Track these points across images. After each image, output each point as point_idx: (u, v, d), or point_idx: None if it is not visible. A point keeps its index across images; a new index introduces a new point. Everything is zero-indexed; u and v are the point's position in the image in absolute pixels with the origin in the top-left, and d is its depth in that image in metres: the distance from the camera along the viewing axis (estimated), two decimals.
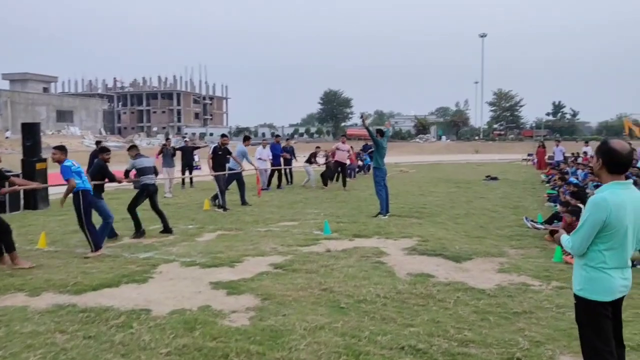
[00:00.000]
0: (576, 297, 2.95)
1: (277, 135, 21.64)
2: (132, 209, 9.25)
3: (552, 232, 8.53)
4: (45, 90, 79.44)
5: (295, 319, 4.80)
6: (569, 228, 7.96)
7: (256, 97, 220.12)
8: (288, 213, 11.86)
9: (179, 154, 17.25)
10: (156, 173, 9.77)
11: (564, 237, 3.10)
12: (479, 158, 43.46)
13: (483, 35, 77.65)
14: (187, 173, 17.92)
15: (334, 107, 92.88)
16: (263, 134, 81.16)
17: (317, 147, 20.39)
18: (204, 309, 5.18)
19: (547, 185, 17.82)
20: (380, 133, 11.57)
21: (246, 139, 15.65)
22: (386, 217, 11.04)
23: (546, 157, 26.84)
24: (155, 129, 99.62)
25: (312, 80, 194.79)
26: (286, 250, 7.87)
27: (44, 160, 13.05)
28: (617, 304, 2.90)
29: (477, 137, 73.65)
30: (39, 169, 12.73)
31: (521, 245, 8.24)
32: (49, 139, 56.25)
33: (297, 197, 15.20)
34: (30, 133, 12.83)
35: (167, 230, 9.38)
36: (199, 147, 20.14)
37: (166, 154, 16.10)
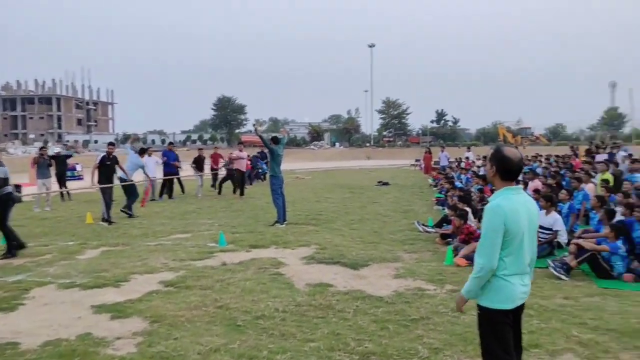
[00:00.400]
0: (479, 307, 2.94)
1: (171, 143, 20.73)
2: (3, 224, 8.23)
3: (443, 236, 8.92)
4: None
5: (188, 342, 4.45)
6: (458, 231, 8.32)
7: (145, 102, 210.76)
8: (180, 224, 11.29)
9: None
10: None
11: (465, 287, 2.96)
12: (371, 164, 44.90)
13: (372, 45, 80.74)
14: (63, 184, 16.46)
15: (227, 114, 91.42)
16: (153, 141, 77.85)
17: (200, 150, 19.86)
18: (83, 337, 4.65)
19: (435, 189, 18.75)
20: (275, 140, 11.40)
21: (143, 152, 14.81)
22: (283, 225, 10.89)
23: (432, 162, 28.29)
24: (32, 136, 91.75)
25: (205, 85, 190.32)
26: (178, 265, 7.41)
27: None
28: (517, 311, 2.93)
29: (368, 144, 76.20)
30: None
31: (414, 249, 8.47)
32: None
33: (189, 207, 14.58)
34: None
35: (10, 253, 8.18)
36: (70, 156, 18.46)
37: (42, 164, 14.71)
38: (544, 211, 8.12)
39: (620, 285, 6.10)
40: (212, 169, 19.03)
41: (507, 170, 2.88)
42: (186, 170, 18.81)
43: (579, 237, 7.46)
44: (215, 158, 18.94)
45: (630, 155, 15.12)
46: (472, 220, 8.62)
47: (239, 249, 8.49)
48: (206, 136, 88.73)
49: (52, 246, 8.94)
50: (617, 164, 13.78)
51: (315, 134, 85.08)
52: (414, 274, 6.78)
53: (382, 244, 8.91)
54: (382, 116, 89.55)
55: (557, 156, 20.12)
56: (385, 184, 21.71)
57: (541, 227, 8.13)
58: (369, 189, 19.79)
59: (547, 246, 7.85)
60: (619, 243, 6.54)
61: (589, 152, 18.92)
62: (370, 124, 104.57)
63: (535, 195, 8.95)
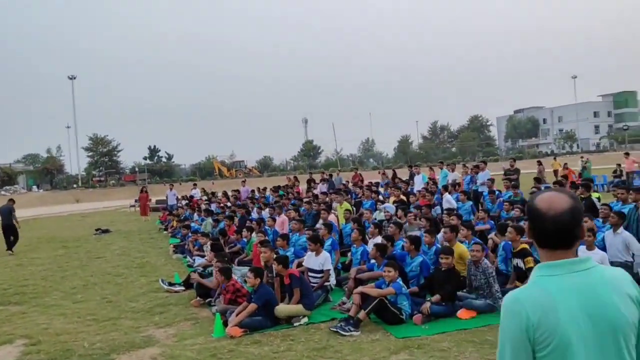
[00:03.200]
0: None
1: None
2: None
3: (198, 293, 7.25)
4: None
5: None
6: (221, 289, 6.85)
7: None
8: None
9: None
10: None
11: None
12: (81, 208, 39.79)
13: (72, 78, 73.41)
14: None
15: None
16: None
17: None
18: None
19: (166, 232, 16.83)
20: None
21: None
22: None
23: (149, 202, 25.65)
24: None
25: None
26: None
27: None
28: None
29: (75, 185, 68.36)
30: None
31: (167, 320, 6.62)
32: None
33: None
34: None
35: None
36: None
37: None
38: (314, 253, 7.32)
39: (417, 332, 5.52)
40: None
41: (540, 231, 1.62)
42: None
43: (356, 278, 6.79)
44: None
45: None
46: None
47: None
48: None
49: None
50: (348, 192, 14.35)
51: (7, 177, 72.40)
52: None
53: (124, 318, 6.80)
54: (90, 154, 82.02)
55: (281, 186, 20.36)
56: (106, 231, 18.76)
57: (310, 269, 7.31)
58: (87, 240, 16.68)
59: (322, 292, 7.01)
60: (400, 281, 6.06)
61: (310, 182, 19.63)
62: (76, 163, 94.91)
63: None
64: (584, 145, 69.08)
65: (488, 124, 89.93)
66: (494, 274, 6.15)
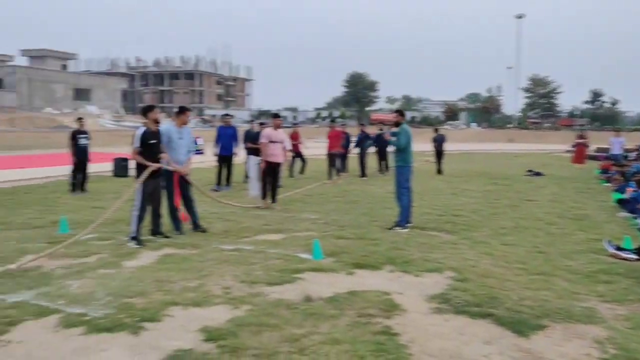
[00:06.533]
0: None
1: (262, 123, 14.31)
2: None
3: None
4: (64, 67, 77.70)
5: None
6: None
7: (281, 79, 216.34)
8: (276, 219, 9.01)
9: None
10: None
11: None
12: (514, 148, 39.84)
13: (520, 17, 72.85)
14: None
15: (358, 91, 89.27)
16: (285, 118, 78.26)
17: (262, 124, 13.19)
18: None
19: (608, 185, 14.57)
20: (401, 113, 8.62)
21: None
22: (406, 229, 8.12)
23: (587, 149, 23.08)
24: (175, 110, 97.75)
25: (340, 62, 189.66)
26: (244, 293, 5.02)
27: None
28: None
29: (510, 125, 69.44)
30: None
31: (614, 294, 5.20)
32: (64, 118, 54.47)
33: (296, 194, 12.33)
34: None
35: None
36: None
37: None
38: None
39: None
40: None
41: None
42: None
43: None
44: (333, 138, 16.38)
45: None
46: None
47: (338, 269, 5.90)
48: (336, 113, 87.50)
49: (110, 242, 7.11)
50: None
51: (451, 113, 79.80)
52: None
53: (558, 277, 5.75)
54: (528, 95, 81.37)
55: None
56: (538, 174, 17.79)
57: None
58: (518, 180, 16.13)
59: None
60: None
61: None
62: (513, 104, 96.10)
63: None
64: None
65: None
66: None
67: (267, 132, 10.12)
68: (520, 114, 79.22)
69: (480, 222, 8.91)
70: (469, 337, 4.08)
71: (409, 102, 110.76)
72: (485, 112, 79.55)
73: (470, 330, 4.21)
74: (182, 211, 7.90)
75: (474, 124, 74.47)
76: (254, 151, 11.77)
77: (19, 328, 4.14)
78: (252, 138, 12.31)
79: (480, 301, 4.84)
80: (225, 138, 12.79)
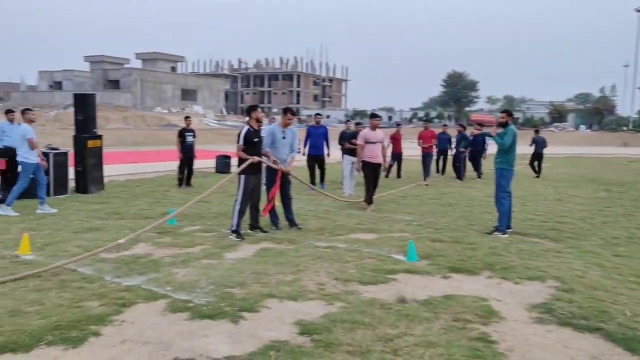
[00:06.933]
0: None
1: (347, 121, 14.37)
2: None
3: None
4: (173, 69, 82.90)
5: None
6: None
7: (376, 79, 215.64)
8: (370, 218, 9.01)
9: None
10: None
11: None
12: (628, 152, 36.80)
13: (639, 10, 67.01)
14: None
15: (457, 91, 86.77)
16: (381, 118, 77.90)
17: (358, 124, 13.56)
18: None
19: None
20: (509, 114, 8.24)
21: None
22: (506, 235, 7.79)
23: None
24: (275, 110, 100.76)
25: (436, 62, 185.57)
26: (338, 290, 5.09)
27: (99, 137, 11.41)
28: None
29: (625, 128, 64.14)
30: (91, 147, 11.08)
31: None
32: (172, 116, 58.19)
33: (390, 195, 12.24)
34: (83, 106, 11.16)
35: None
36: None
37: None
38: None
39: None
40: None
41: None
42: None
43: None
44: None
45: None
46: None
47: (433, 272, 5.79)
48: (433, 113, 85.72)
49: (214, 234, 7.49)
50: None
51: (557, 115, 75.23)
52: None
53: None
54: None
55: None
56: None
57: None
58: (634, 187, 14.89)
59: None
60: None
61: None
62: (629, 104, 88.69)
63: None
64: None
65: None
66: None
67: (365, 132, 10.08)
68: (636, 115, 72.95)
69: (589, 231, 8.33)
70: (575, 351, 3.83)
71: (511, 102, 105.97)
72: (597, 114, 74.09)
73: (575, 344, 3.96)
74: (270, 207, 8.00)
75: (583, 126, 69.62)
76: (349, 151, 11.83)
77: (132, 310, 4.48)
78: (347, 138, 12.37)
79: (587, 314, 4.54)
80: (316, 137, 12.96)
